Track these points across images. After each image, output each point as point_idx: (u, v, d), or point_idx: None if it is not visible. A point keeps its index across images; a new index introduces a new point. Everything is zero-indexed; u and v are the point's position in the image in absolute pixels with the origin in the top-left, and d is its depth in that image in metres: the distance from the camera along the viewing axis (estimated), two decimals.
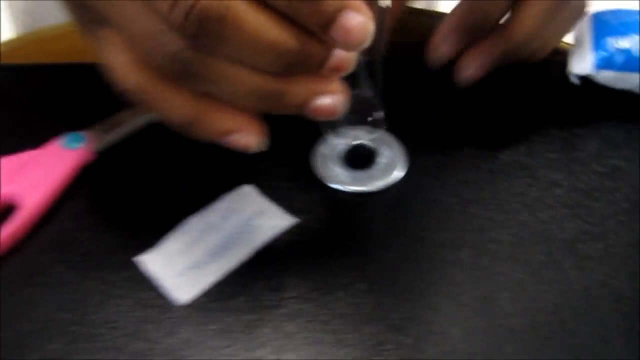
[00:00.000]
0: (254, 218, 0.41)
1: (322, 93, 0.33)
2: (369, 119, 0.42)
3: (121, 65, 0.34)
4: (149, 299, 0.37)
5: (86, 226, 0.41)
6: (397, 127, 0.44)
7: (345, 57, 0.32)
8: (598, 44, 0.46)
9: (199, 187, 0.43)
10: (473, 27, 0.44)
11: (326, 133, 0.43)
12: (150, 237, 0.40)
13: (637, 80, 0.46)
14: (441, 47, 0.45)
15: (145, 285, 0.38)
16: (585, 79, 0.47)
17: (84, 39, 0.37)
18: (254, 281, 0.38)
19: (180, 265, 0.39)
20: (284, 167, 0.44)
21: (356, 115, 0.43)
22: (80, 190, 0.43)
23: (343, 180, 0.43)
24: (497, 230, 0.41)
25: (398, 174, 0.43)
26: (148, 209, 0.42)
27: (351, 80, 0.34)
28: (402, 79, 0.47)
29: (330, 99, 0.33)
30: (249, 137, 0.35)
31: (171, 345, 0.36)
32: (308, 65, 0.31)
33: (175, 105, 0.34)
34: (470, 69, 0.45)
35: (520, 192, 0.43)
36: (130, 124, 0.46)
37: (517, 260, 0.39)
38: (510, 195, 0.43)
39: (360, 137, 0.44)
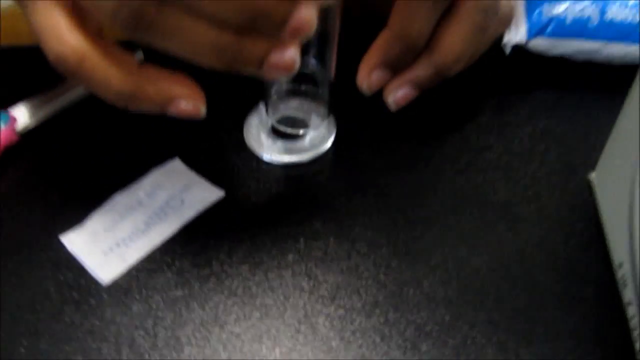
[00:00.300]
0: (182, 192, 0.40)
1: (281, 48, 0.32)
2: (303, 87, 0.42)
3: (56, 28, 0.32)
4: (71, 280, 0.36)
5: (10, 206, 0.40)
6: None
7: (306, 18, 0.30)
8: (531, 12, 0.45)
9: (127, 163, 0.42)
10: (398, 58, 0.41)
11: (261, 102, 0.42)
12: (76, 216, 0.39)
13: (570, 47, 0.46)
14: (369, 80, 0.41)
15: (69, 265, 0.37)
16: (519, 49, 0.46)
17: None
18: (180, 257, 0.37)
19: (104, 244, 0.38)
20: (214, 139, 0.43)
21: (294, 84, 0.42)
22: (4, 169, 0.41)
23: (274, 151, 0.42)
24: (430, 195, 0.40)
25: (327, 144, 0.42)
26: (74, 187, 0.41)
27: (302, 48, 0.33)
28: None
29: (289, 53, 0.32)
30: (195, 103, 0.34)
31: (94, 326, 0.35)
32: (270, 20, 0.30)
33: (114, 74, 0.33)
34: (399, 95, 0.42)
35: (453, 156, 0.42)
36: (55, 102, 0.44)
37: (450, 225, 0.39)
38: (443, 159, 0.42)
39: (293, 107, 0.43)
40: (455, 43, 0.40)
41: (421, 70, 0.41)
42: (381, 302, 0.36)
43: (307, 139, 0.42)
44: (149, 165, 0.41)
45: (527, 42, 0.45)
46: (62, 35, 0.32)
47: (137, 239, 0.38)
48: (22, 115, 0.43)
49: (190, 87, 0.35)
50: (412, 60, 0.41)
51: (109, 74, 0.33)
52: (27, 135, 0.43)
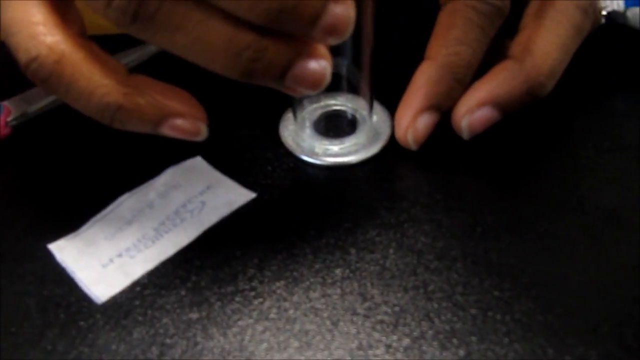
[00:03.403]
0: (203, 194, 0.32)
1: (309, 55, 0.25)
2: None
3: (30, 24, 0.27)
4: (58, 296, 0.29)
5: None
6: (381, 94, 0.36)
7: (343, 14, 0.24)
8: None
9: (137, 162, 0.34)
10: (447, 96, 0.33)
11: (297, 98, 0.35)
12: (72, 222, 0.31)
13: None
14: (415, 129, 0.33)
15: (57, 278, 0.29)
16: (613, 22, 0.38)
17: None
18: (198, 271, 0.29)
19: (103, 254, 0.30)
20: (244, 136, 0.36)
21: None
22: None
23: (315, 152, 0.34)
24: (514, 198, 0.32)
25: (380, 144, 0.34)
26: (72, 188, 0.33)
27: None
28: (389, 37, 0.39)
29: (318, 64, 0.25)
30: (193, 121, 0.28)
31: (82, 355, 0.27)
32: (299, 17, 0.23)
33: (98, 80, 0.27)
34: (476, 117, 0.33)
35: (542, 152, 0.34)
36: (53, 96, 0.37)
37: (543, 233, 0.30)
38: (529, 155, 0.34)
39: (337, 103, 0.36)
40: (551, 50, 0.32)
41: (507, 86, 0.32)
42: (459, 331, 0.27)
43: (355, 139, 0.35)
44: (165, 166, 0.34)
45: (625, 11, 0.37)
46: (38, 31, 0.26)
47: (145, 248, 0.30)
48: (15, 106, 0.36)
49: (189, 102, 0.28)
50: (460, 96, 0.33)
51: (93, 81, 0.27)
52: (21, 129, 0.36)
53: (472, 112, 0.32)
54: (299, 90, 0.26)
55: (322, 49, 0.25)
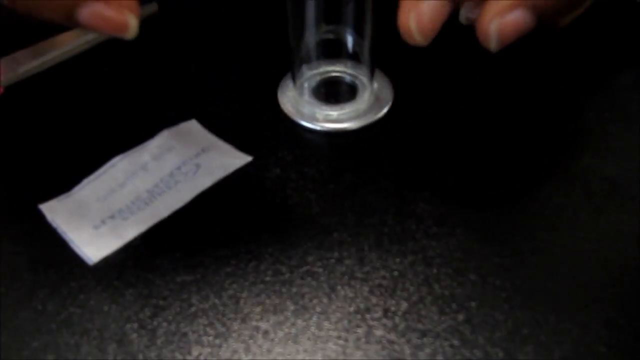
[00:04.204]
0: (198, 156, 0.31)
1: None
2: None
3: None
4: (49, 256, 0.28)
5: None
6: (382, 61, 0.35)
7: None
8: None
9: (131, 125, 0.34)
10: None
11: (297, 63, 0.34)
12: (63, 183, 0.31)
13: None
14: (415, 16, 0.27)
15: (47, 238, 0.28)
16: None
17: None
18: (192, 234, 0.29)
19: (95, 215, 0.29)
20: (240, 101, 0.35)
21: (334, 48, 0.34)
22: None
23: (316, 118, 0.33)
24: (493, 167, 0.31)
25: (382, 112, 0.34)
26: (63, 149, 0.33)
27: None
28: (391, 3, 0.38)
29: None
30: (120, 10, 0.24)
31: (73, 316, 0.26)
32: None
33: None
34: (509, 20, 0.26)
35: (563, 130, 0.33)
36: (48, 56, 0.36)
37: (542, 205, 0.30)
38: (541, 133, 0.33)
39: (337, 69, 0.35)
40: None
41: None
42: (458, 296, 0.26)
43: (356, 104, 0.34)
44: (158, 129, 0.33)
45: None
46: None
47: (138, 210, 0.29)
48: (5, 66, 0.35)
49: None
50: None
51: None
52: (12, 89, 0.35)
53: (503, 15, 0.26)
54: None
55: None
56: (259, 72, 0.36)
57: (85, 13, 0.24)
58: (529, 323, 0.25)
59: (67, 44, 0.36)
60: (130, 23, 0.24)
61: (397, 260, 0.27)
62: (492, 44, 0.27)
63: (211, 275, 0.27)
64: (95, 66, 0.37)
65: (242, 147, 0.32)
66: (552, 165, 0.31)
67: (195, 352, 0.25)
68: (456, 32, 0.28)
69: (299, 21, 0.32)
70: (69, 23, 0.24)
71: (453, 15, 0.30)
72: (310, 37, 0.33)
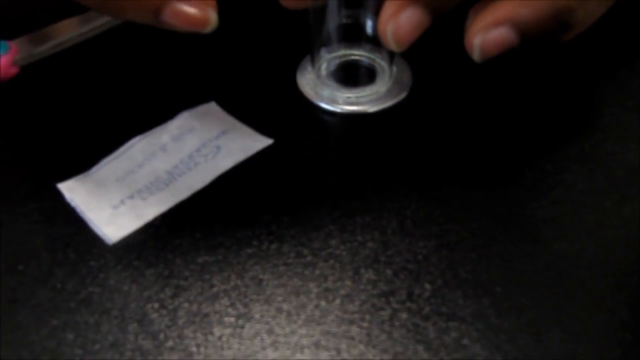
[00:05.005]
0: (218, 138, 0.31)
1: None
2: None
3: None
4: (67, 236, 0.27)
5: (1, 145, 0.31)
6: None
7: None
8: None
9: (150, 106, 0.33)
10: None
11: (316, 46, 0.34)
12: (82, 162, 0.30)
13: None
14: (393, 24, 0.28)
15: (66, 218, 0.28)
16: None
17: None
18: (213, 215, 0.28)
19: (114, 196, 0.29)
20: (260, 83, 0.34)
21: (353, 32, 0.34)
22: None
23: (335, 100, 0.33)
24: (516, 152, 0.31)
25: (402, 95, 0.33)
26: (82, 129, 0.32)
27: None
28: None
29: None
30: (202, 6, 0.25)
31: (93, 295, 0.26)
32: None
33: None
34: (490, 37, 0.28)
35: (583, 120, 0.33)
36: (64, 37, 0.36)
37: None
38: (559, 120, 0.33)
39: (355, 53, 0.35)
40: None
41: (530, 6, 0.28)
42: (483, 281, 0.26)
43: (376, 87, 0.33)
44: (176, 111, 0.32)
45: None
46: None
47: (157, 191, 0.29)
48: (22, 46, 0.34)
49: None
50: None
51: None
52: (30, 69, 0.35)
53: (487, 30, 0.28)
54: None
55: None
56: (277, 56, 0.36)
57: (170, 12, 0.25)
58: (554, 308, 0.25)
59: (86, 25, 0.36)
60: (211, 18, 0.25)
61: (421, 244, 0.27)
62: (476, 57, 0.29)
63: (232, 256, 0.27)
64: (115, 47, 0.36)
65: (261, 130, 0.32)
66: (576, 150, 0.31)
67: (217, 333, 0.24)
68: None
69: (319, 5, 0.32)
70: (155, 23, 0.25)
71: (473, 1, 0.30)
72: (331, 21, 0.33)
